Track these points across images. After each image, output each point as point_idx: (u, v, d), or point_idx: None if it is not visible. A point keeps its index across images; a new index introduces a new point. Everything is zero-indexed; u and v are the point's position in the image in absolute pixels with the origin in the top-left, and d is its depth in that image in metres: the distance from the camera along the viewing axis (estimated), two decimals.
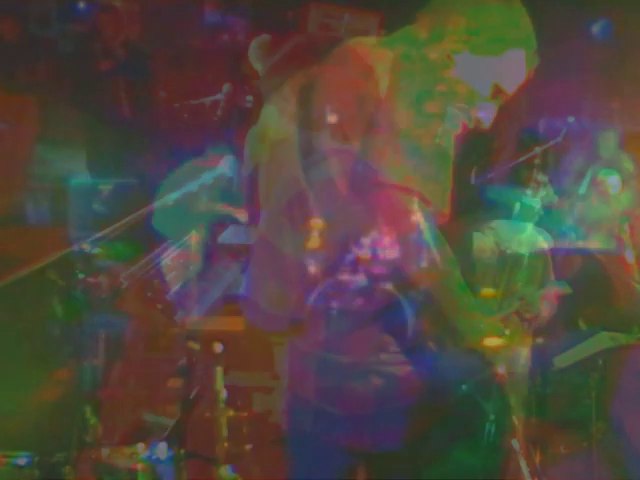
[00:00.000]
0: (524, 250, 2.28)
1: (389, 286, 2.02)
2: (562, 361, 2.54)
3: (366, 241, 2.01)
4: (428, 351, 2.13)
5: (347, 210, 2.00)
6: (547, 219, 2.93)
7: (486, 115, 2.03)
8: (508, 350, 2.18)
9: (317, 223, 2.03)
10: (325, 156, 2.07)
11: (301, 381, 2.11)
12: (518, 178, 2.19)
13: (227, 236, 2.40)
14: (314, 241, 2.04)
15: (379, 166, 1.94)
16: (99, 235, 2.39)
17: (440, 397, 2.15)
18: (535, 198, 2.21)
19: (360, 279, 2.03)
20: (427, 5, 2.08)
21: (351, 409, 2.06)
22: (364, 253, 2.02)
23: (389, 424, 2.08)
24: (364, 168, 2.03)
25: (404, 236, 2.00)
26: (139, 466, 2.53)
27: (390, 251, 2.02)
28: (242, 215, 2.81)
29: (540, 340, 2.55)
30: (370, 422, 2.07)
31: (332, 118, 2.06)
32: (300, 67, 2.09)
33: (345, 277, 2.04)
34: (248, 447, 2.96)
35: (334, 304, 2.06)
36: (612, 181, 2.30)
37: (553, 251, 2.97)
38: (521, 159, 2.16)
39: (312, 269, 2.04)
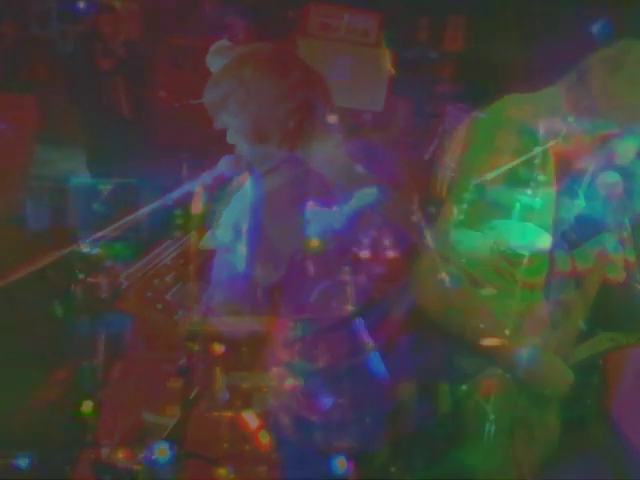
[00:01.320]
0: (525, 251, 2.28)
1: (370, 288, 2.04)
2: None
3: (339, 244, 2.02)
4: (422, 351, 2.14)
5: (301, 215, 2.00)
6: (547, 219, 2.91)
7: (629, 151, 2.13)
8: (508, 350, 2.18)
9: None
10: (274, 167, 2.08)
11: (287, 392, 2.12)
12: (518, 178, 2.19)
13: (207, 240, 2.41)
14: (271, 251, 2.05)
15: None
16: (99, 235, 2.39)
17: (437, 396, 2.16)
18: (535, 198, 2.22)
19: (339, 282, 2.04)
20: (571, 70, 2.17)
21: (343, 412, 2.07)
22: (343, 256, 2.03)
23: (381, 424, 2.09)
24: (314, 173, 2.05)
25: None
26: (139, 466, 2.53)
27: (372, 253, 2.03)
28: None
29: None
30: (360, 423, 2.08)
31: (277, 128, 2.07)
32: (240, 78, 2.08)
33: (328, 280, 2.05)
34: (248, 447, 2.96)
35: (305, 311, 2.07)
36: (613, 181, 2.29)
37: (553, 251, 2.96)
38: (521, 159, 2.16)
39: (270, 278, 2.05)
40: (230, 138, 2.17)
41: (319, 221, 2.01)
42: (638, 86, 2.14)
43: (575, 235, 2.44)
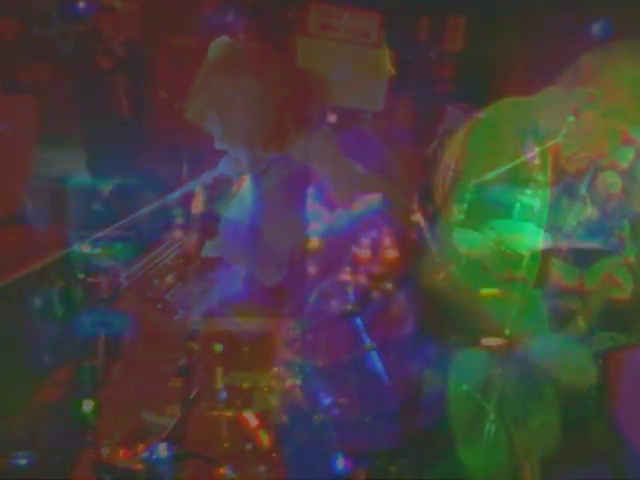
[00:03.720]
0: (524, 251, 2.28)
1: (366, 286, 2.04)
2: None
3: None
4: (425, 350, 2.14)
5: (294, 212, 2.00)
6: (546, 219, 2.92)
7: (622, 158, 2.12)
8: (508, 349, 2.18)
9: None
10: (264, 169, 2.08)
11: (291, 391, 2.12)
12: (518, 178, 2.19)
13: (208, 249, 2.41)
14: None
15: None
16: (99, 235, 2.39)
17: (438, 396, 2.16)
18: (535, 198, 2.22)
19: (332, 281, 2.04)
20: (567, 68, 2.17)
21: (346, 412, 2.06)
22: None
23: (385, 424, 2.09)
24: (305, 171, 2.05)
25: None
26: (139, 466, 2.53)
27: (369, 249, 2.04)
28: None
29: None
30: (364, 424, 2.08)
31: (258, 130, 2.07)
32: (213, 86, 2.08)
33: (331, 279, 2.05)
34: (248, 447, 2.96)
35: (310, 309, 2.07)
36: (613, 181, 2.29)
37: (553, 251, 2.97)
38: (521, 159, 2.16)
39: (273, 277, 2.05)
40: (217, 145, 2.17)
41: (319, 224, 2.01)
42: (633, 82, 2.14)
43: (576, 236, 2.44)
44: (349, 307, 2.05)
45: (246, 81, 2.05)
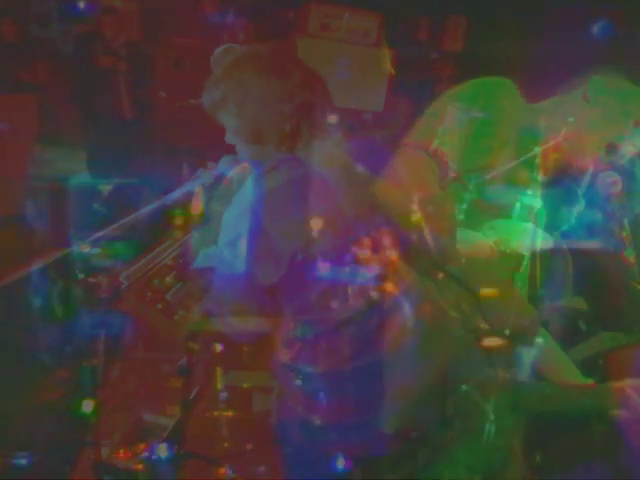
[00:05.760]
0: (524, 251, 2.28)
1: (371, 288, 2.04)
2: None
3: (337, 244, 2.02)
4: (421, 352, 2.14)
5: (302, 214, 2.00)
6: (547, 219, 2.92)
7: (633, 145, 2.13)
8: (508, 350, 2.18)
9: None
10: (274, 166, 2.08)
11: (290, 393, 2.12)
12: (518, 178, 2.19)
13: (202, 260, 2.41)
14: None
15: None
16: (99, 235, 2.39)
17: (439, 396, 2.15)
18: (535, 198, 2.22)
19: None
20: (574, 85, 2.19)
21: (344, 416, 2.06)
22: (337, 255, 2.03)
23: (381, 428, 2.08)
24: (314, 174, 2.05)
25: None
26: (139, 466, 2.53)
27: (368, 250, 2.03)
28: None
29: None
30: (362, 427, 2.07)
31: (274, 129, 2.07)
32: (239, 79, 2.08)
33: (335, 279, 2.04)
34: (248, 447, 2.96)
35: (310, 312, 2.06)
36: (612, 180, 2.29)
37: (553, 251, 2.97)
38: (521, 159, 2.16)
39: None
40: (228, 139, 2.17)
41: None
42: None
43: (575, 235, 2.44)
44: (349, 310, 2.04)
45: (271, 81, 2.05)
